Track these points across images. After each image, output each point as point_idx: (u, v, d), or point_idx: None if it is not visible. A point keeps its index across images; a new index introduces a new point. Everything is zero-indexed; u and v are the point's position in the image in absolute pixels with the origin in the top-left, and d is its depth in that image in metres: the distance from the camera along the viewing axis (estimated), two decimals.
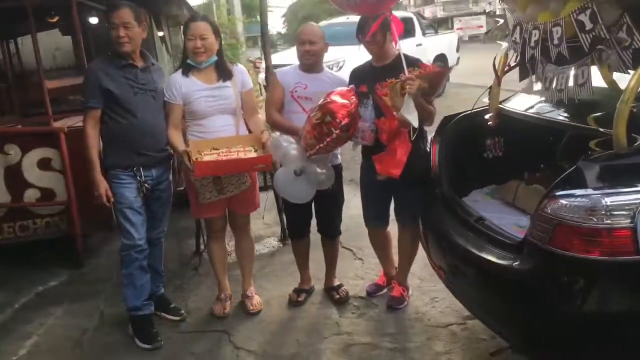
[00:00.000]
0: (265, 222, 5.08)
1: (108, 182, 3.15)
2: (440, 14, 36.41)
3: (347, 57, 8.52)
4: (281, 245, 4.72)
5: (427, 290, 3.69)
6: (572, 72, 2.39)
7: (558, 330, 2.08)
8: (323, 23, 14.31)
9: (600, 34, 2.13)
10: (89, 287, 4.02)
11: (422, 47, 11.75)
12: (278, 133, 3.39)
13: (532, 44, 2.53)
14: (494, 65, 3.10)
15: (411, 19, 12.57)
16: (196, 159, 3.07)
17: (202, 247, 4.49)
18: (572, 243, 1.94)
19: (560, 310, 2.03)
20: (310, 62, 3.39)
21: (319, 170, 3.16)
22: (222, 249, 3.60)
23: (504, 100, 3.19)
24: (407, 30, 8.58)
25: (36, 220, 4.28)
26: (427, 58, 10.09)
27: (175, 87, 3.24)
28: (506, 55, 3.09)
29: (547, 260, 2.04)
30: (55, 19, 5.87)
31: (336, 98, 3.01)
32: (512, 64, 3.11)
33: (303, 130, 3.10)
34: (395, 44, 3.12)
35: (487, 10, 32.92)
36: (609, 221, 1.89)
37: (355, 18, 13.75)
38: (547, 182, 2.95)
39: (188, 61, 3.27)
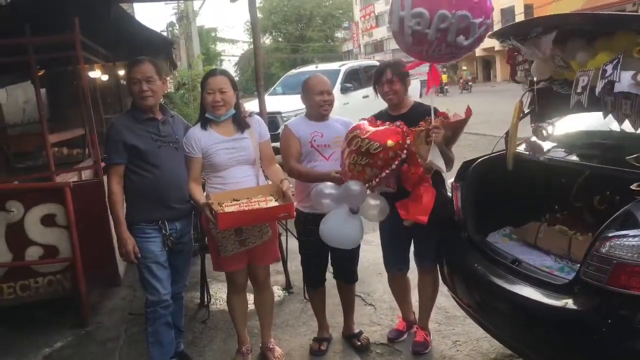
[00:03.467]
0: None
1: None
2: None
3: None
4: (286, 294, 4.67)
5: (447, 333, 3.70)
6: None
7: None
8: (293, 72, 14.56)
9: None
10: (101, 348, 3.84)
11: None
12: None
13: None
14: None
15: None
16: (218, 211, 3.05)
17: (206, 299, 4.42)
18: (632, 281, 2.02)
19: (622, 346, 2.09)
20: (328, 111, 3.47)
21: (372, 202, 3.12)
22: (244, 302, 3.53)
23: (519, 144, 3.32)
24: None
25: (38, 279, 4.11)
26: None
27: (194, 140, 3.24)
28: (521, 102, 3.25)
29: (606, 298, 2.11)
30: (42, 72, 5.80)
31: (375, 128, 3.05)
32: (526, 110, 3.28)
33: (349, 169, 3.07)
34: (427, 92, 3.22)
35: None
36: None
37: (322, 67, 13.84)
38: (570, 223, 3.07)
39: (207, 115, 3.29)
